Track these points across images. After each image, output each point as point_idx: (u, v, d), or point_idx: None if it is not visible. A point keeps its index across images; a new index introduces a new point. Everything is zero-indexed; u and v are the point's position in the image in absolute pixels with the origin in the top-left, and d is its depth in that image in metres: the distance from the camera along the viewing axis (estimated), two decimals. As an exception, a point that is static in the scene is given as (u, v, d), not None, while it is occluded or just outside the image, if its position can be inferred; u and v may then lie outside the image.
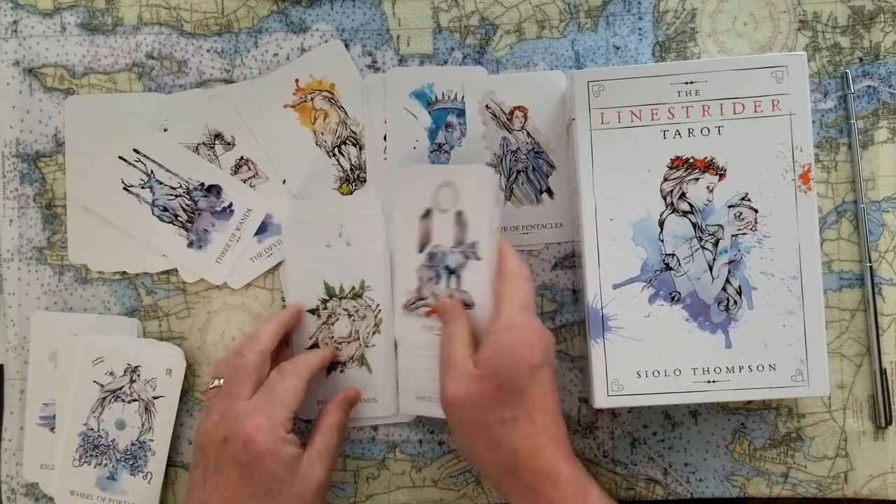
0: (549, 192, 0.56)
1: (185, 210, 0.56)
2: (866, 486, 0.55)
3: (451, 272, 0.54)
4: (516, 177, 0.57)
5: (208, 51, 0.57)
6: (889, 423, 0.55)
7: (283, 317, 0.55)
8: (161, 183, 0.56)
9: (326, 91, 0.57)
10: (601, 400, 0.51)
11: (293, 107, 0.57)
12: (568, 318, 0.57)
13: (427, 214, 0.54)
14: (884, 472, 0.55)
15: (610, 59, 0.57)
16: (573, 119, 0.51)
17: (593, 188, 0.51)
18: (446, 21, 0.57)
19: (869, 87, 0.56)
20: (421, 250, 0.54)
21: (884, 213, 0.55)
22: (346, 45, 0.57)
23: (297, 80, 0.57)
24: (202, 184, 0.57)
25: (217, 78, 0.57)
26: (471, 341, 0.50)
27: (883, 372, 0.55)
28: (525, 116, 0.56)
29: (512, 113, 0.56)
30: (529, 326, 0.49)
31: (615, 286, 0.51)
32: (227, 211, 0.57)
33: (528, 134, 0.56)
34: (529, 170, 0.56)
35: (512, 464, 0.47)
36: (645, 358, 0.50)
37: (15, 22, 0.57)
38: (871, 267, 0.55)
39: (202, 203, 0.57)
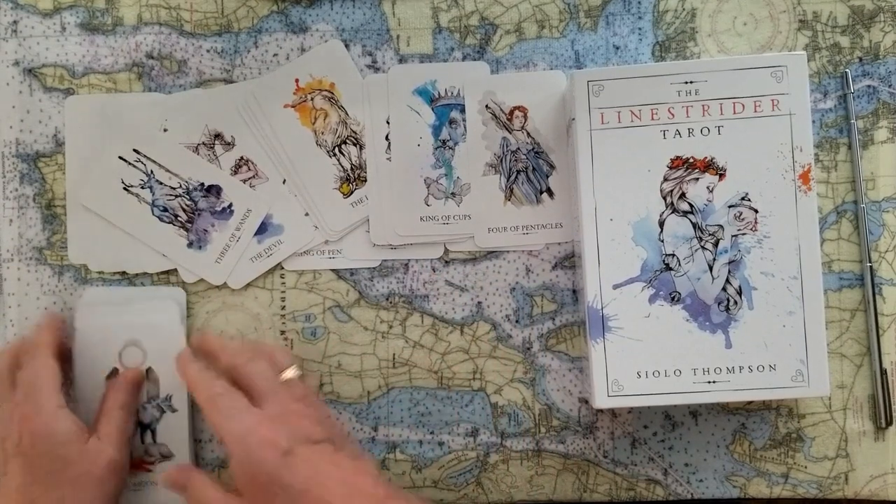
0: (550, 192, 0.56)
1: (184, 210, 0.56)
2: (867, 486, 0.55)
3: (146, 427, 0.55)
4: (516, 177, 0.57)
5: (208, 51, 0.57)
6: (889, 423, 0.55)
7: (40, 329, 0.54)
8: (161, 183, 0.56)
9: (326, 90, 0.57)
10: (601, 400, 0.51)
11: (293, 106, 0.57)
12: (568, 318, 0.56)
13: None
14: (884, 472, 0.55)
15: (610, 58, 0.57)
16: (573, 119, 0.51)
17: (593, 188, 0.51)
18: (446, 21, 0.57)
19: (869, 86, 0.56)
20: None
21: (884, 213, 0.55)
22: (346, 45, 0.57)
23: (297, 80, 0.57)
24: (202, 184, 0.57)
25: (217, 78, 0.57)
26: (213, 482, 0.49)
27: (883, 372, 0.55)
28: (525, 116, 0.56)
29: (512, 113, 0.56)
30: (255, 429, 0.47)
31: (615, 286, 0.51)
32: (227, 211, 0.57)
33: (528, 134, 0.56)
34: (529, 170, 0.56)
35: None
36: (645, 358, 0.50)
37: (15, 22, 0.57)
38: (871, 267, 0.55)
39: (202, 203, 0.57)
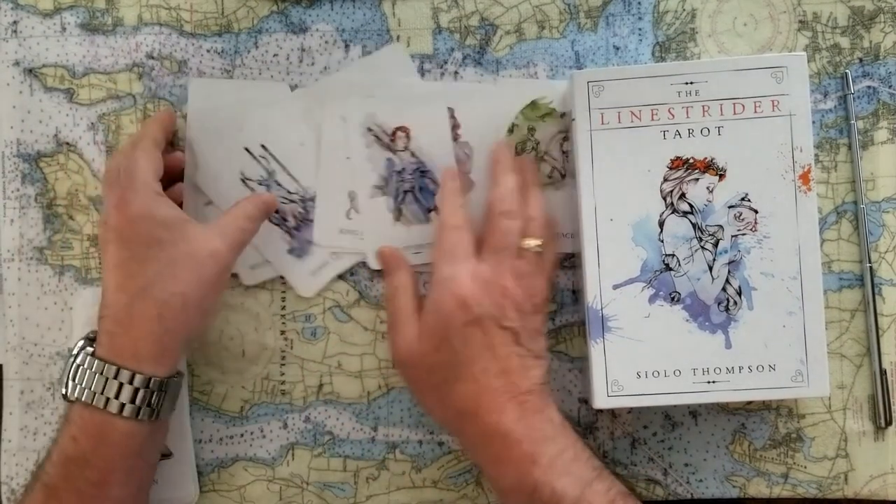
0: (437, 210, 0.56)
1: (294, 217, 0.56)
2: (866, 486, 0.55)
3: None
4: (403, 197, 0.56)
5: (208, 51, 0.57)
6: (889, 423, 0.55)
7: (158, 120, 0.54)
8: (279, 185, 0.56)
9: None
10: (601, 400, 0.51)
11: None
12: (568, 318, 0.56)
13: None
14: (884, 472, 0.55)
15: (610, 59, 0.57)
16: (573, 119, 0.51)
17: (593, 188, 0.51)
18: (446, 21, 0.57)
19: (869, 87, 0.56)
20: None
21: (884, 214, 0.55)
22: (346, 46, 0.57)
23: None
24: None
25: (217, 78, 0.57)
26: (415, 292, 0.51)
27: (883, 372, 0.55)
28: (408, 136, 0.56)
29: (394, 133, 0.56)
30: (459, 280, 0.48)
31: (615, 286, 0.51)
32: None
33: (412, 154, 0.56)
34: (416, 189, 0.56)
35: (459, 422, 0.48)
36: (645, 358, 0.50)
37: (15, 22, 0.57)
38: (871, 267, 0.55)
39: (312, 216, 0.57)
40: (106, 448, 0.47)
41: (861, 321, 0.55)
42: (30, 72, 0.57)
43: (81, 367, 0.48)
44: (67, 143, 0.57)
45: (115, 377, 0.47)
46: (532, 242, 0.50)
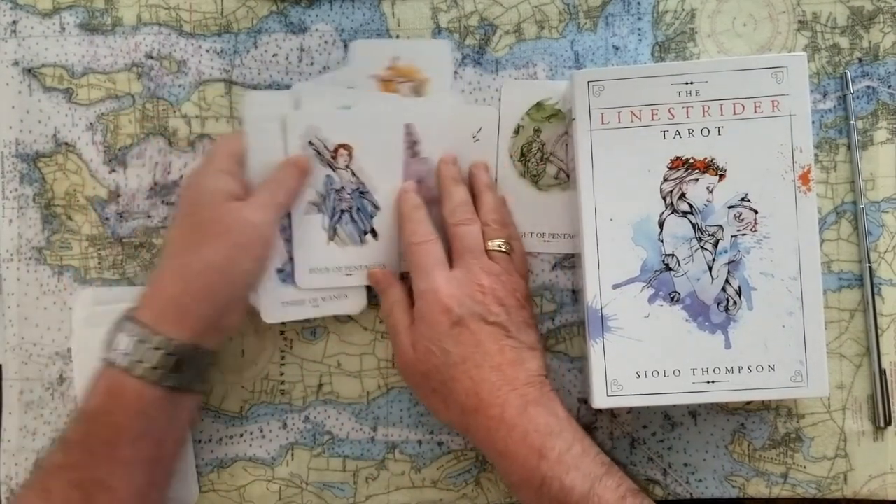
0: (374, 232, 0.56)
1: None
2: (866, 486, 0.55)
3: None
4: (340, 216, 0.55)
5: (207, 51, 0.57)
6: (888, 423, 0.55)
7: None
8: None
9: (417, 82, 0.57)
10: (600, 400, 0.51)
11: (380, 80, 0.56)
12: (567, 318, 0.56)
13: None
14: (883, 472, 0.55)
15: (609, 59, 0.57)
16: (573, 119, 0.51)
17: (593, 188, 0.51)
18: (446, 21, 0.57)
19: (868, 87, 0.56)
20: None
21: (883, 214, 0.56)
22: (346, 46, 0.57)
23: (395, 58, 0.56)
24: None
25: (216, 78, 0.57)
26: (408, 306, 0.53)
27: (882, 372, 0.55)
28: (350, 155, 0.55)
29: (336, 151, 0.55)
30: (436, 288, 0.50)
31: (615, 286, 0.51)
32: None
33: (353, 173, 0.55)
34: (354, 210, 0.56)
35: (463, 420, 0.49)
36: (644, 358, 0.50)
37: (14, 22, 0.57)
38: (870, 267, 0.55)
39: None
40: (116, 405, 0.47)
41: (860, 321, 0.55)
42: (29, 72, 0.57)
43: (115, 327, 0.49)
44: (66, 143, 0.57)
45: (135, 336, 0.47)
46: (495, 243, 0.52)
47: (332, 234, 0.56)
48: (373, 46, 0.57)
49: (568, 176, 0.56)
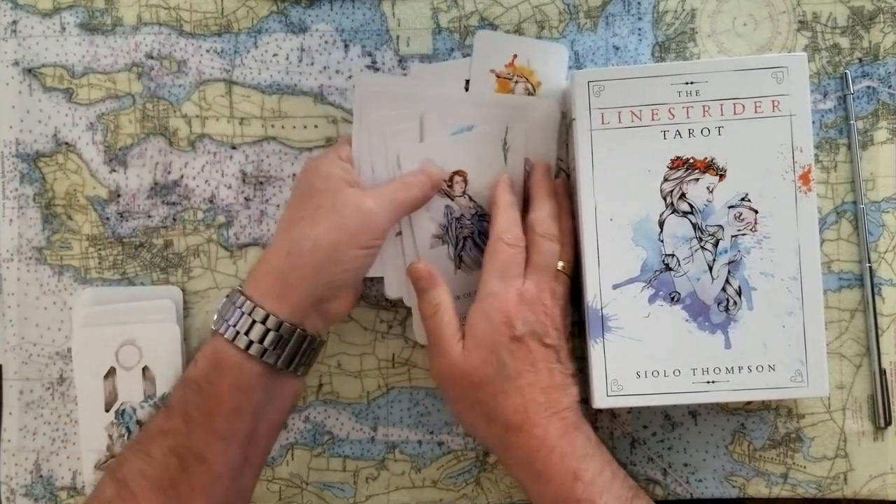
0: (490, 220, 0.55)
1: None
2: (866, 486, 0.55)
3: (143, 426, 0.55)
4: (463, 244, 0.55)
5: (208, 51, 0.57)
6: (888, 423, 0.55)
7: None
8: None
9: (532, 85, 0.56)
10: (601, 400, 0.51)
11: (498, 76, 0.56)
12: (567, 318, 0.56)
13: (110, 374, 0.55)
14: (883, 472, 0.55)
15: (609, 59, 0.57)
16: (573, 119, 0.51)
17: (593, 188, 0.51)
18: (446, 21, 0.57)
19: (868, 87, 0.56)
20: (108, 409, 0.55)
21: (883, 214, 0.56)
22: (346, 46, 0.57)
23: (514, 56, 0.56)
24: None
25: (217, 78, 0.57)
26: (453, 309, 0.51)
27: (882, 372, 0.55)
28: (465, 181, 0.55)
29: (452, 179, 0.55)
30: (507, 296, 0.49)
31: (615, 286, 0.51)
32: None
33: (470, 198, 0.55)
34: (475, 235, 0.55)
35: (504, 437, 0.48)
36: (644, 358, 0.50)
37: (14, 22, 0.57)
38: (870, 267, 0.55)
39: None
40: (217, 375, 0.48)
41: (860, 321, 0.55)
42: (29, 71, 0.57)
43: (227, 298, 0.50)
44: (66, 143, 0.57)
45: (240, 307, 0.48)
46: (561, 263, 0.52)
47: (459, 262, 0.55)
48: (496, 39, 0.56)
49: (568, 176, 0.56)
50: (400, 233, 0.55)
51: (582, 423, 0.49)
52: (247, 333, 0.47)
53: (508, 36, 0.56)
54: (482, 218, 0.55)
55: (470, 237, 0.55)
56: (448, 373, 0.50)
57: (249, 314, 0.48)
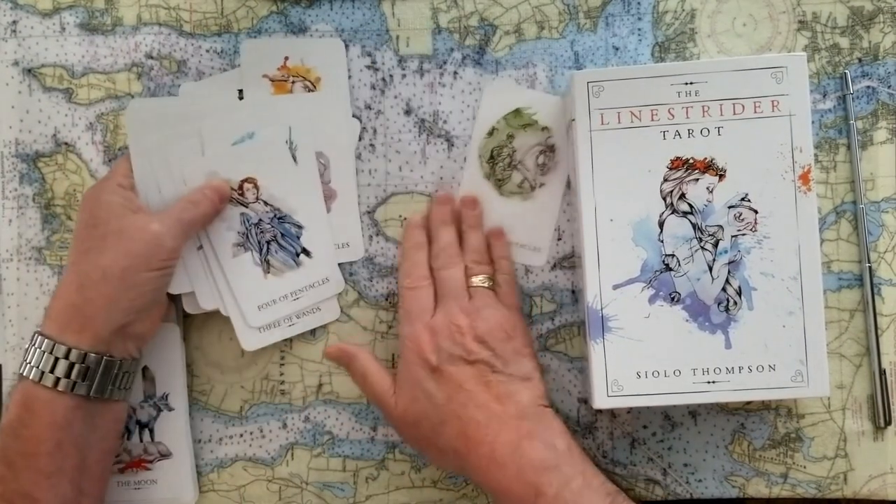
0: (306, 251, 0.56)
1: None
2: (866, 486, 0.55)
3: (144, 426, 0.56)
4: (268, 248, 0.56)
5: (207, 51, 0.57)
6: (888, 423, 0.55)
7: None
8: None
9: (310, 82, 0.57)
10: (601, 400, 0.51)
11: (272, 80, 0.56)
12: (567, 318, 0.56)
13: None
14: (883, 472, 0.55)
15: (609, 59, 0.57)
16: (573, 120, 0.51)
17: (593, 189, 0.51)
18: (446, 21, 0.57)
19: (868, 87, 0.56)
20: None
21: (883, 214, 0.56)
22: (346, 46, 0.57)
23: (286, 58, 0.56)
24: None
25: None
26: (378, 366, 0.54)
27: (882, 372, 0.55)
28: (256, 187, 0.55)
29: (242, 187, 0.55)
30: (415, 335, 0.51)
31: (615, 287, 0.51)
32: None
33: (265, 202, 0.55)
34: (279, 237, 0.56)
35: (458, 463, 0.49)
36: (645, 358, 0.50)
37: (14, 22, 0.57)
38: (870, 267, 0.55)
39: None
40: (31, 417, 0.48)
41: (860, 321, 0.55)
42: (29, 72, 0.57)
43: (29, 341, 0.50)
44: (66, 143, 0.57)
45: (40, 347, 0.48)
46: (477, 280, 0.53)
47: (267, 267, 0.56)
48: (263, 46, 0.57)
49: (532, 187, 0.56)
50: (201, 247, 0.55)
51: (544, 429, 0.49)
52: (52, 371, 0.48)
53: (275, 39, 0.57)
54: (283, 220, 0.55)
55: (273, 240, 0.56)
56: (393, 422, 0.52)
57: (51, 352, 0.48)
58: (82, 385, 0.48)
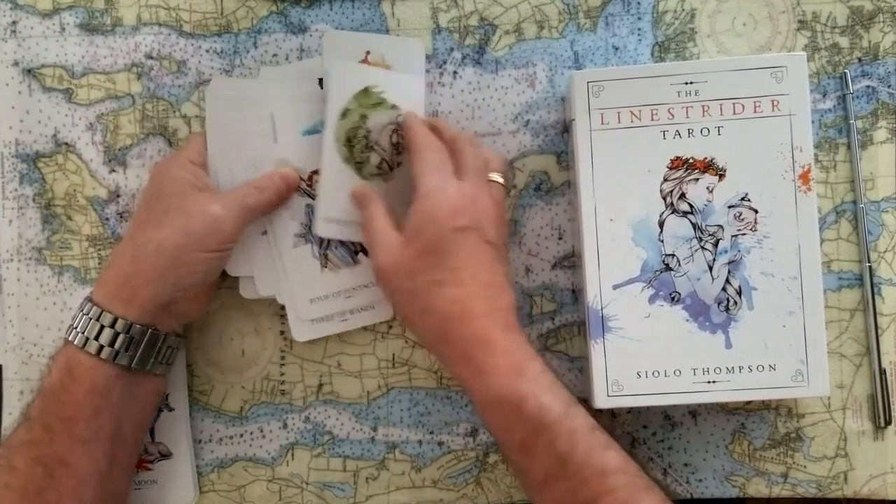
0: (364, 250, 0.55)
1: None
2: (866, 486, 0.55)
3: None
4: (328, 242, 0.55)
5: (207, 51, 0.57)
6: (888, 423, 0.55)
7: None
8: None
9: None
10: (601, 400, 0.51)
11: None
12: (567, 318, 0.56)
13: None
14: (883, 472, 0.55)
15: (609, 59, 0.57)
16: (573, 119, 0.51)
17: (593, 189, 0.51)
18: (445, 21, 0.57)
19: (868, 87, 0.56)
20: None
21: (883, 213, 0.56)
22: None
23: (368, 53, 0.56)
24: None
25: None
26: (389, 216, 0.51)
27: (882, 372, 0.55)
28: None
29: (311, 178, 0.55)
30: (447, 190, 0.49)
31: (615, 286, 0.51)
32: None
33: None
34: None
35: (442, 329, 0.47)
36: (645, 358, 0.50)
37: (14, 22, 0.57)
38: (870, 267, 0.55)
39: None
40: (72, 382, 0.48)
41: (860, 321, 0.55)
42: (29, 72, 0.57)
43: (78, 307, 0.50)
44: (66, 144, 0.57)
45: (87, 313, 0.48)
46: (497, 176, 0.51)
47: (325, 261, 0.55)
48: (346, 38, 0.56)
49: (390, 167, 0.55)
50: (265, 232, 0.55)
51: (520, 328, 0.48)
52: (97, 338, 0.48)
53: (358, 34, 0.57)
54: None
55: None
56: (384, 264, 0.49)
57: (97, 319, 0.48)
58: (125, 355, 0.48)
